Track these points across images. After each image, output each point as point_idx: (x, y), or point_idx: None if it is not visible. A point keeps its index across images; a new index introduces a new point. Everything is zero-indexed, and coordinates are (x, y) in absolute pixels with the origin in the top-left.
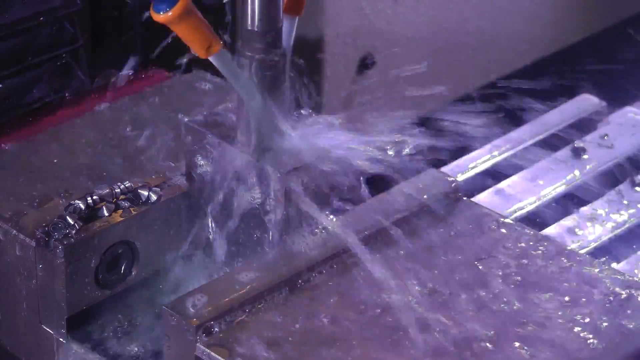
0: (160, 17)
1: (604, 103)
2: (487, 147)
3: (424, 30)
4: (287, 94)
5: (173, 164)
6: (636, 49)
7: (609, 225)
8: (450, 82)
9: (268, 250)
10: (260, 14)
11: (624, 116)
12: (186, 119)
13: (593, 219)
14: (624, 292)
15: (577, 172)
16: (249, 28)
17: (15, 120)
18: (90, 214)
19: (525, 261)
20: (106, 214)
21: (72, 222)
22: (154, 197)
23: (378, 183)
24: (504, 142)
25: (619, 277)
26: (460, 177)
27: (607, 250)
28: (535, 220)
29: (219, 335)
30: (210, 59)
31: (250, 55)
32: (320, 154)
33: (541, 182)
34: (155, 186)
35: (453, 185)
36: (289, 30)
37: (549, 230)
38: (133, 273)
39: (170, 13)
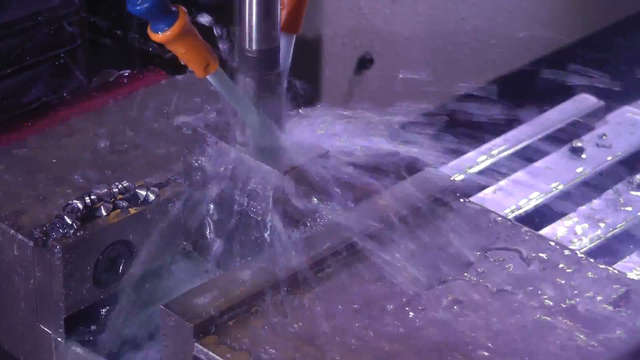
0: (158, 37)
1: (602, 102)
2: (486, 146)
3: (422, 29)
4: (284, 109)
5: (171, 164)
6: (634, 48)
7: (607, 225)
8: (448, 82)
9: (266, 249)
10: (258, 33)
11: (622, 116)
12: (184, 119)
13: (591, 218)
14: (622, 292)
15: (575, 172)
16: (247, 47)
17: (13, 120)
18: (88, 214)
19: (523, 261)
20: (104, 213)
21: (70, 222)
22: (152, 197)
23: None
24: (502, 142)
25: (616, 276)
26: (459, 177)
27: (605, 250)
28: (534, 219)
29: (217, 334)
30: (208, 77)
31: (248, 74)
32: (318, 152)
33: (539, 182)
34: (153, 186)
35: (451, 184)
36: (286, 48)
37: (547, 230)
38: (131, 273)
39: (168, 33)
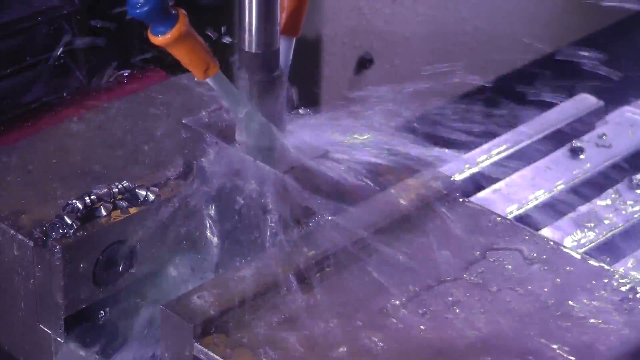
0: (158, 39)
1: (602, 103)
2: (485, 146)
3: (422, 30)
4: (283, 112)
5: (171, 164)
6: (634, 48)
7: (607, 225)
8: (448, 82)
9: (266, 249)
10: (257, 36)
11: (622, 116)
12: (184, 119)
13: (591, 218)
14: (621, 292)
15: (575, 172)
16: (247, 50)
17: (13, 120)
18: (88, 214)
19: (523, 261)
20: (104, 213)
21: (70, 222)
22: (151, 197)
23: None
24: (502, 142)
25: (616, 276)
26: (458, 177)
27: (604, 250)
28: (534, 220)
29: (217, 334)
30: (208, 80)
31: (248, 76)
32: (318, 153)
33: (539, 182)
34: (153, 186)
35: (451, 184)
36: (286, 50)
37: (547, 230)
38: (131, 273)
39: (168, 36)
